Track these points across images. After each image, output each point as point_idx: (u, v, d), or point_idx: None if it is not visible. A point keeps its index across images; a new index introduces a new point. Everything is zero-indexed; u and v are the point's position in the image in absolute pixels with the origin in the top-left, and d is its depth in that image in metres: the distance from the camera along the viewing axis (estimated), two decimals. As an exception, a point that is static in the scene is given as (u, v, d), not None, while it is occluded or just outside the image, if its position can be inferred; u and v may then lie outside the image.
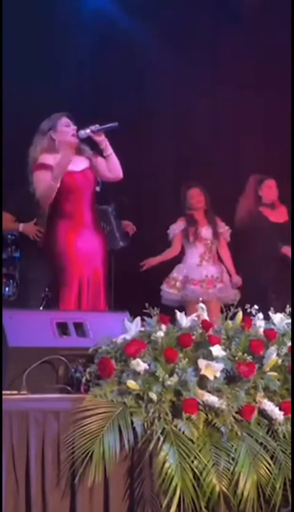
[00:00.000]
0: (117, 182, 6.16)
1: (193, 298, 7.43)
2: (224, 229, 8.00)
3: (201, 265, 7.87)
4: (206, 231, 7.95)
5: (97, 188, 6.12)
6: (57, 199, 5.94)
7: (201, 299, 4.63)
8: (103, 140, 5.98)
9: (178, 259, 8.04)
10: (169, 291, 7.83)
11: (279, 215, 7.97)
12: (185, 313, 4.44)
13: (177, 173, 8.67)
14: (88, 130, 5.96)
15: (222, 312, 4.47)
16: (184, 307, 7.14)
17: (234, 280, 7.87)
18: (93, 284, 5.94)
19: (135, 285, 7.95)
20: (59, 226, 5.97)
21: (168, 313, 4.41)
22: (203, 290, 7.67)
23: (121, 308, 4.87)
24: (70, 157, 5.87)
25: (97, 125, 5.96)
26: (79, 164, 6.02)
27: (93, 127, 5.96)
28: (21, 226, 7.33)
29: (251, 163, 8.52)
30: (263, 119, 8.76)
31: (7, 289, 7.49)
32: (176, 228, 7.97)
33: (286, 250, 7.74)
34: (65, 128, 5.99)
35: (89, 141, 6.05)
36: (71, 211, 5.96)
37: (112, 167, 6.04)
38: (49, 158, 5.92)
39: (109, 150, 6.00)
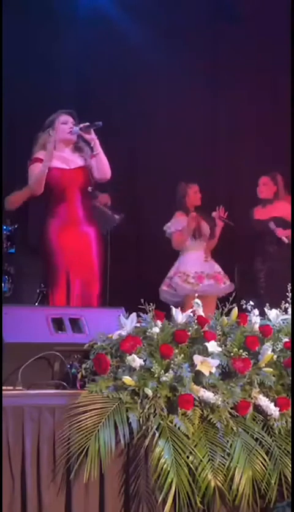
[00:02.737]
0: (112, 179, 6.18)
1: (210, 293, 7.48)
2: (218, 231, 8.00)
3: (207, 260, 7.92)
4: (205, 228, 7.97)
5: (89, 189, 6.13)
6: (48, 198, 6.01)
7: (196, 295, 4.62)
8: (92, 139, 6.02)
9: (175, 255, 8.03)
10: (184, 285, 7.79)
11: (273, 211, 7.92)
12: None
13: (174, 170, 8.66)
14: (77, 128, 6.01)
15: (217, 307, 4.48)
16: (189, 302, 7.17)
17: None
18: (86, 282, 5.95)
19: (133, 281, 7.95)
20: (50, 224, 6.03)
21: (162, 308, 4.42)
22: (216, 285, 7.72)
23: (118, 305, 4.88)
24: (53, 146, 5.91)
25: (87, 123, 6.00)
26: (71, 162, 6.06)
27: (81, 125, 6.00)
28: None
29: (249, 161, 8.52)
30: (262, 118, 8.75)
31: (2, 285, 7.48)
32: (176, 224, 7.96)
33: (281, 232, 7.73)
34: (62, 126, 6.06)
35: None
36: (61, 209, 6.00)
37: (100, 167, 6.05)
38: (42, 155, 5.99)
39: (98, 150, 6.03)
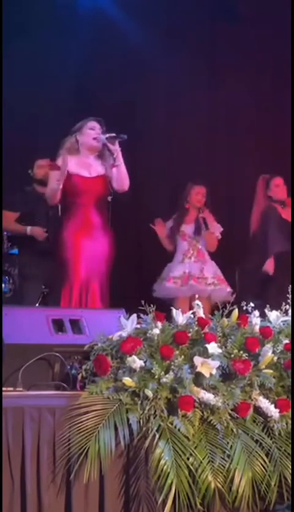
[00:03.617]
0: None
1: (191, 294, 7.46)
2: (215, 227, 7.95)
3: (183, 262, 7.85)
4: (188, 228, 7.91)
5: (108, 198, 6.20)
6: (65, 202, 6.14)
7: (197, 296, 4.62)
8: (115, 150, 6.13)
9: (168, 257, 8.02)
10: (168, 286, 7.78)
11: (288, 213, 7.86)
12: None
13: (172, 169, 8.66)
14: (104, 137, 6.12)
15: (217, 309, 4.48)
16: (173, 303, 7.18)
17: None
18: (96, 287, 6.04)
19: (134, 282, 7.95)
20: (66, 228, 6.16)
21: (162, 309, 4.42)
22: (210, 286, 7.69)
23: (116, 305, 4.89)
24: (67, 161, 6.00)
25: (113, 134, 6.10)
26: (93, 170, 6.19)
27: (107, 135, 6.12)
28: (29, 230, 7.29)
29: (249, 162, 8.52)
30: (262, 118, 8.75)
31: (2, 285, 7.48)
32: (174, 223, 7.95)
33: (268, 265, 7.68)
34: (89, 131, 6.20)
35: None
36: (78, 214, 6.11)
37: (119, 178, 6.18)
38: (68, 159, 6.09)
39: (120, 161, 6.14)
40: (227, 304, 4.48)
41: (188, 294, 7.57)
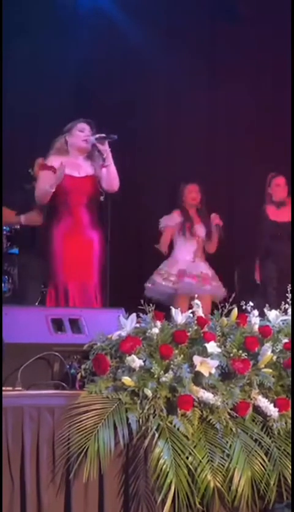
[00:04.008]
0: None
1: (187, 291, 7.46)
2: (214, 236, 7.96)
3: (194, 261, 7.87)
4: (200, 229, 7.94)
5: (101, 198, 6.22)
6: (55, 201, 6.13)
7: (196, 295, 4.61)
8: (105, 150, 6.14)
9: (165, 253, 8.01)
10: (162, 283, 7.80)
11: (286, 214, 7.85)
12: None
13: (172, 169, 8.67)
14: (93, 138, 6.13)
15: (216, 308, 4.48)
16: (172, 301, 7.17)
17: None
18: (86, 287, 6.04)
19: (133, 282, 7.95)
20: (55, 228, 6.16)
21: (157, 308, 4.42)
22: (198, 285, 7.66)
23: (115, 304, 4.89)
24: (63, 168, 6.02)
25: (103, 135, 6.11)
26: (82, 170, 6.19)
27: (97, 135, 6.13)
28: (23, 218, 7.27)
29: (250, 162, 8.53)
30: (262, 118, 8.75)
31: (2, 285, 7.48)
32: (170, 221, 7.95)
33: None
34: (79, 133, 6.20)
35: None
36: (67, 214, 6.12)
37: (109, 178, 6.19)
38: (55, 160, 6.13)
39: (109, 161, 6.15)
40: (226, 304, 4.48)
41: (209, 293, 7.58)
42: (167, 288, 7.74)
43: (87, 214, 6.17)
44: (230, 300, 4.49)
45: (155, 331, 4.27)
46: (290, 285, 4.65)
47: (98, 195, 6.20)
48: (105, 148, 6.13)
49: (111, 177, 6.18)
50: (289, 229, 7.58)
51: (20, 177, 7.29)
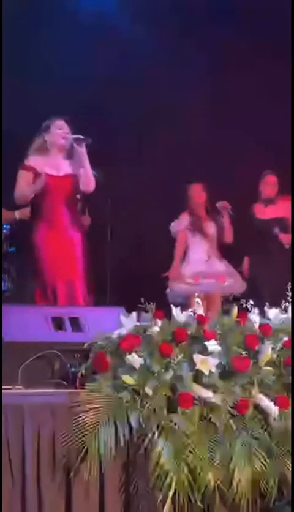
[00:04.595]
0: (114, 179, 6.26)
1: (207, 291, 7.47)
2: (226, 222, 7.98)
3: (209, 260, 7.89)
4: (210, 227, 7.95)
5: (77, 196, 6.31)
6: (35, 201, 6.19)
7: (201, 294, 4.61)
8: (81, 152, 6.18)
9: (170, 255, 8.02)
10: (181, 286, 7.79)
11: (276, 211, 7.92)
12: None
13: (177, 169, 8.67)
14: (72, 137, 6.18)
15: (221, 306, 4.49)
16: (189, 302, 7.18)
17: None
18: (71, 285, 6.07)
19: (134, 280, 7.95)
20: (37, 226, 6.20)
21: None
22: (216, 284, 7.69)
23: (118, 303, 4.89)
24: (43, 179, 6.09)
25: (81, 136, 6.17)
26: (61, 169, 6.23)
27: (75, 136, 6.18)
28: (17, 214, 7.25)
29: (250, 159, 8.53)
30: (262, 116, 8.75)
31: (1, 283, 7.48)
32: (180, 224, 7.96)
33: (283, 237, 7.75)
34: (58, 131, 6.24)
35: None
36: (48, 212, 6.16)
37: (85, 180, 6.23)
38: (36, 160, 6.18)
39: (85, 164, 6.19)
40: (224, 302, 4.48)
41: (227, 290, 7.59)
42: (186, 291, 7.70)
43: (67, 212, 6.20)
44: (230, 299, 4.49)
45: (156, 329, 4.27)
46: (289, 283, 4.65)
47: (77, 193, 6.23)
48: (82, 150, 6.17)
49: (87, 179, 6.22)
50: (273, 226, 7.68)
51: (11, 177, 7.26)
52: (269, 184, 7.97)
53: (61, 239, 6.16)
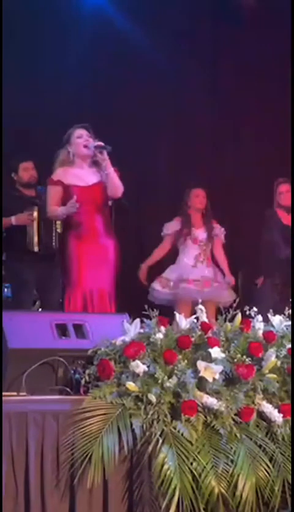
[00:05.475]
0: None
1: (185, 297, 7.45)
2: (220, 230, 7.96)
3: (195, 266, 7.85)
4: (201, 233, 7.92)
5: (109, 203, 6.29)
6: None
7: (200, 300, 4.60)
8: (103, 159, 6.18)
9: (171, 259, 8.01)
10: (161, 290, 7.79)
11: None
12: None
13: (176, 173, 8.67)
14: (93, 144, 6.18)
15: (220, 313, 4.48)
16: (174, 306, 7.17)
17: (227, 279, 7.83)
18: (102, 293, 6.10)
19: (138, 287, 7.94)
20: (70, 236, 6.21)
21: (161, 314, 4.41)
22: (197, 289, 7.64)
23: (120, 310, 4.89)
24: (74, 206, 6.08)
25: (101, 144, 6.17)
26: (88, 179, 6.25)
27: (95, 143, 6.18)
28: (13, 219, 7.22)
29: (251, 164, 8.52)
30: (263, 119, 8.76)
31: (5, 290, 7.46)
32: (170, 228, 7.95)
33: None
34: (78, 140, 6.24)
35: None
36: (81, 222, 6.16)
37: (111, 186, 6.23)
38: (62, 173, 6.21)
39: (109, 170, 6.18)
40: (230, 309, 4.48)
41: (212, 297, 7.55)
42: (165, 295, 7.71)
43: (101, 221, 6.21)
44: (234, 305, 4.49)
45: (159, 336, 4.27)
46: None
47: (108, 200, 6.25)
48: (103, 157, 6.18)
49: (113, 185, 6.21)
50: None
51: (4, 182, 7.24)
52: (282, 193, 7.87)
53: (95, 248, 6.16)
